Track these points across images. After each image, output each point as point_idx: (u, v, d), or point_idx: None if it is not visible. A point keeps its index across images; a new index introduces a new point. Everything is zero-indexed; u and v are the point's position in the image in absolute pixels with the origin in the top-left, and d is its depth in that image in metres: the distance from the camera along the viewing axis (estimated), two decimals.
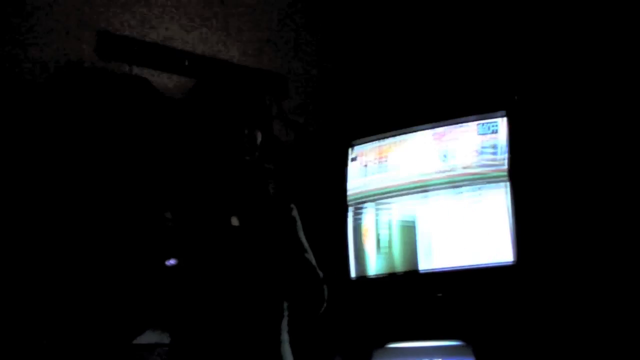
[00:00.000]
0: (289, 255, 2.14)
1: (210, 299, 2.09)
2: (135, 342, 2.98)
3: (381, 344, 3.29)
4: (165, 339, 2.41)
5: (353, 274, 3.39)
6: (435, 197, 3.20)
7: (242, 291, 2.11)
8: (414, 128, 3.31)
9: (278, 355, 2.14)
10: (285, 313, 2.19)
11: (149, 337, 2.94)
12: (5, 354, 2.78)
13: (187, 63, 3.36)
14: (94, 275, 2.88)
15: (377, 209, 3.37)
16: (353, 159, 3.46)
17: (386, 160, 3.36)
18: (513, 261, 2.98)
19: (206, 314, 2.09)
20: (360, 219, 3.42)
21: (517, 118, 3.05)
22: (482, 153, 3.09)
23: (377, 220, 3.36)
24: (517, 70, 3.31)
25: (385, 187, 3.33)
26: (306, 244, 2.21)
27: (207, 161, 2.17)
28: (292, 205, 2.29)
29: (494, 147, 3.07)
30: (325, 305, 2.21)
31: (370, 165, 3.40)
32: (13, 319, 2.80)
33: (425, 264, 3.19)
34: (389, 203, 3.32)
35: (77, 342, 2.90)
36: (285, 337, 2.18)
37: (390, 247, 3.30)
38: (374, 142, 3.42)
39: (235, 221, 2.18)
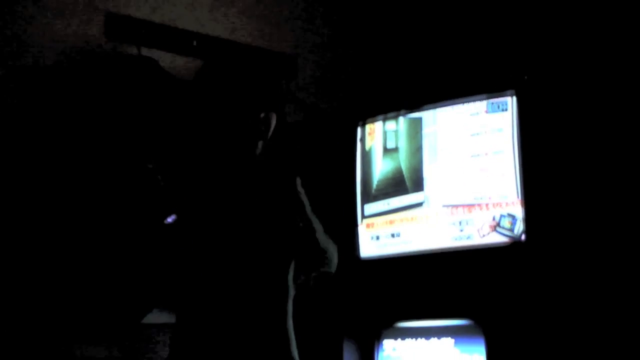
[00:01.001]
0: (298, 234, 2.14)
1: (217, 280, 2.09)
2: (144, 321, 3.01)
3: (390, 323, 3.30)
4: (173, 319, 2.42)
5: (361, 254, 3.40)
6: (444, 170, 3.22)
7: (250, 272, 2.11)
8: (424, 107, 3.31)
9: (285, 337, 2.14)
10: (292, 293, 2.18)
11: (158, 317, 2.96)
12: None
13: (195, 44, 3.36)
14: (98, 255, 2.91)
15: (387, 192, 3.39)
16: (362, 139, 3.47)
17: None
18: (523, 240, 2.98)
19: (211, 296, 2.09)
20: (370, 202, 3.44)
21: (526, 97, 3.05)
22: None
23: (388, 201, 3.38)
24: (526, 50, 3.30)
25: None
26: (316, 224, 2.20)
27: (221, 145, 2.14)
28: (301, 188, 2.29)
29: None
30: (335, 267, 2.21)
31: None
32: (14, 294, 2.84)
33: (435, 243, 3.20)
34: (402, 186, 3.34)
35: (85, 321, 2.94)
36: (290, 321, 2.17)
37: (401, 225, 3.32)
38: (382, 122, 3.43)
39: (247, 205, 2.18)
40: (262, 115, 2.14)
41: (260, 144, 2.16)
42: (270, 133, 2.17)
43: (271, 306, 2.12)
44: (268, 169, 2.17)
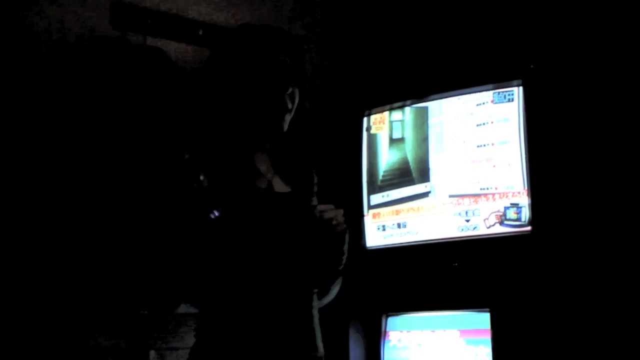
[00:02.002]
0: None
1: (249, 273, 2.03)
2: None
3: (396, 314, 3.30)
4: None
5: (367, 244, 3.39)
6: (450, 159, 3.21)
7: (281, 265, 2.06)
8: (430, 97, 3.30)
9: (311, 330, 2.11)
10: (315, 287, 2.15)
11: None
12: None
13: (201, 33, 3.36)
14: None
15: (393, 182, 3.38)
16: (368, 129, 3.46)
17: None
18: (530, 230, 2.97)
19: (242, 289, 2.03)
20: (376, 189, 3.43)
21: (533, 87, 3.04)
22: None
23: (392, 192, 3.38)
24: (533, 39, 3.28)
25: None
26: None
27: (249, 117, 2.09)
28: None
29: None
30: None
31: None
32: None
33: (441, 233, 3.20)
34: (408, 177, 3.33)
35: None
36: (315, 312, 2.15)
37: (407, 215, 3.31)
38: (389, 112, 3.42)
39: (279, 187, 2.15)
40: (290, 90, 2.10)
41: (287, 118, 2.11)
42: (294, 109, 2.12)
43: (298, 301, 2.09)
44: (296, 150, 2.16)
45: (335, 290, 2.25)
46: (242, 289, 2.03)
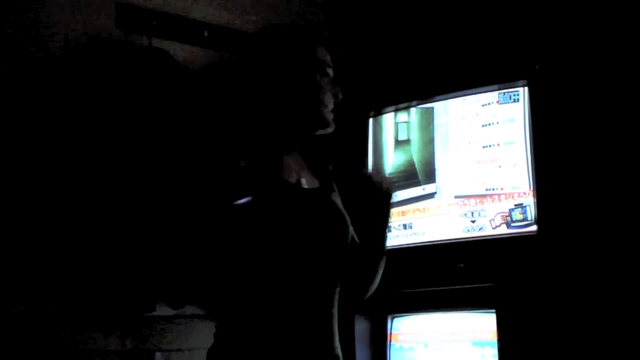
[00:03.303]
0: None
1: (273, 274, 2.01)
2: (154, 314, 3.02)
3: (401, 314, 3.29)
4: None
5: None
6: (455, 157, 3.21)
7: (309, 261, 2.05)
8: (436, 98, 3.30)
9: (329, 331, 2.11)
10: (336, 299, 2.14)
11: (166, 310, 2.99)
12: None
13: (206, 34, 3.36)
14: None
15: (399, 183, 3.38)
16: (373, 131, 3.45)
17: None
18: (535, 230, 2.97)
19: (266, 291, 2.01)
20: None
21: (538, 87, 3.03)
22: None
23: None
24: (538, 39, 3.28)
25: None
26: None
27: (281, 114, 2.10)
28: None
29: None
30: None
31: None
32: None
33: (447, 234, 3.19)
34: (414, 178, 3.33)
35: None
36: (335, 312, 2.13)
37: (412, 217, 3.30)
38: (394, 113, 3.42)
39: (310, 182, 2.15)
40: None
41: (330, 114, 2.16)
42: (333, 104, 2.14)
43: (320, 301, 2.08)
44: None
45: (380, 273, 2.25)
46: (262, 289, 2.02)
